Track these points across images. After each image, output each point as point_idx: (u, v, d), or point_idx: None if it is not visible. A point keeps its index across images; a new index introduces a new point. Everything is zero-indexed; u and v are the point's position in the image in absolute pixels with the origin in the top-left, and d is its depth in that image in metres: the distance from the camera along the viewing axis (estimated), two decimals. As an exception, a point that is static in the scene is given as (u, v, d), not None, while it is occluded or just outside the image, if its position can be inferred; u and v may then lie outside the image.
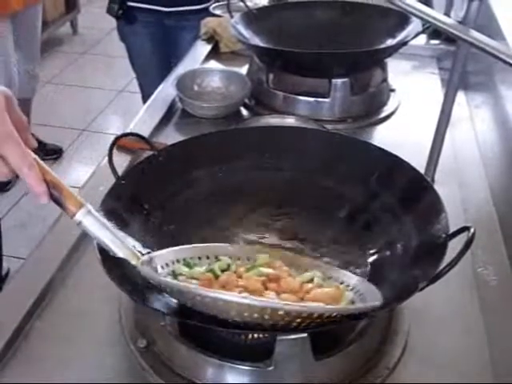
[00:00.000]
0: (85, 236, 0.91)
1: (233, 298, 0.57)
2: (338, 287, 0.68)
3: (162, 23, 2.01)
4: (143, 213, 0.73)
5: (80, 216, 0.61)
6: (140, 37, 2.04)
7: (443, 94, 0.99)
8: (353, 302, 0.66)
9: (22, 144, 0.57)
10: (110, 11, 1.97)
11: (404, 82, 1.43)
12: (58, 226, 0.95)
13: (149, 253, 0.67)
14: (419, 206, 0.73)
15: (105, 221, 0.63)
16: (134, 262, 0.64)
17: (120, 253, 0.64)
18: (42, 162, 0.60)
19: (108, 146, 0.81)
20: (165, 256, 0.70)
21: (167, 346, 0.72)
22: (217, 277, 0.69)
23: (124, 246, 0.64)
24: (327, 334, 0.66)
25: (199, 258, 0.73)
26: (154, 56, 2.08)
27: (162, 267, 0.69)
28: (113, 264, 0.64)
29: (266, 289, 0.67)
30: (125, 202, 0.72)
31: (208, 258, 0.73)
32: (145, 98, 2.05)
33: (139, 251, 0.66)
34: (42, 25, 2.55)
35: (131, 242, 0.66)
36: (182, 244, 0.74)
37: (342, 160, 0.80)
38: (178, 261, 0.71)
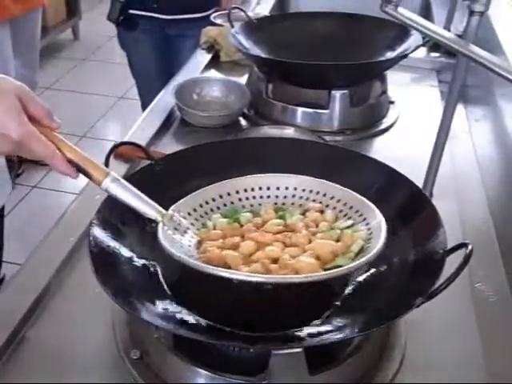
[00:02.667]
0: (80, 244, 0.90)
1: (218, 272, 0.61)
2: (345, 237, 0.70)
3: (162, 31, 2.01)
4: (139, 223, 0.72)
5: (107, 183, 0.67)
6: (140, 44, 2.04)
7: (443, 106, 0.99)
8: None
9: (42, 137, 0.63)
10: (110, 18, 1.96)
11: (403, 95, 1.42)
12: (53, 233, 0.95)
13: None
14: (417, 221, 0.73)
15: (129, 186, 0.68)
16: (160, 218, 0.69)
17: (147, 211, 0.69)
18: (66, 141, 0.66)
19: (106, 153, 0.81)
20: (189, 202, 0.75)
21: (160, 358, 0.71)
22: (240, 225, 0.74)
23: (149, 205, 0.69)
24: (323, 348, 0.65)
25: (220, 197, 0.78)
26: (154, 64, 2.08)
27: (190, 213, 0.74)
28: (106, 274, 0.64)
29: (277, 240, 0.70)
30: (120, 212, 0.71)
31: (229, 194, 0.78)
32: (144, 106, 2.03)
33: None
34: (43, 30, 2.55)
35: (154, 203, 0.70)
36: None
37: (340, 173, 0.79)
38: (201, 205, 0.76)
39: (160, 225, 0.69)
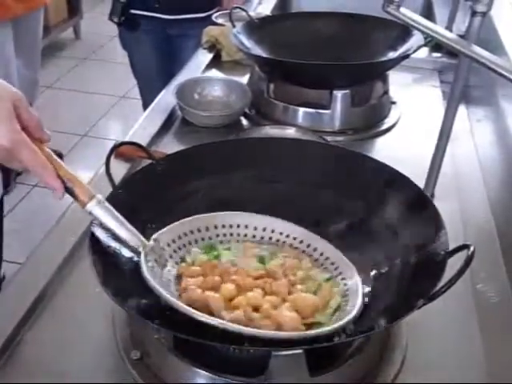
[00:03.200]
0: (81, 243, 0.90)
1: (203, 318, 0.62)
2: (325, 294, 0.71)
3: (164, 31, 2.00)
4: (140, 223, 0.72)
5: (91, 206, 0.66)
6: (142, 44, 2.03)
7: (444, 107, 0.98)
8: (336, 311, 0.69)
9: (34, 147, 0.63)
10: (111, 18, 1.96)
11: (405, 95, 1.42)
12: (53, 232, 0.94)
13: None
14: (418, 222, 0.73)
15: (114, 211, 0.68)
16: (141, 248, 0.69)
17: (129, 240, 0.69)
18: (55, 157, 0.65)
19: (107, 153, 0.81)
20: (169, 233, 0.75)
21: (161, 359, 0.71)
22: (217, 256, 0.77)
23: (132, 233, 0.69)
24: (323, 349, 0.65)
25: (199, 231, 0.79)
26: (156, 64, 2.07)
27: (169, 244, 0.75)
28: (107, 275, 0.64)
29: (257, 286, 0.71)
30: (121, 213, 0.71)
31: (216, 227, 0.80)
32: (146, 106, 2.02)
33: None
34: (45, 30, 2.55)
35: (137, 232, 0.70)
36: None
37: (341, 173, 0.79)
38: (185, 234, 0.77)
39: (142, 256, 0.69)
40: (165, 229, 0.75)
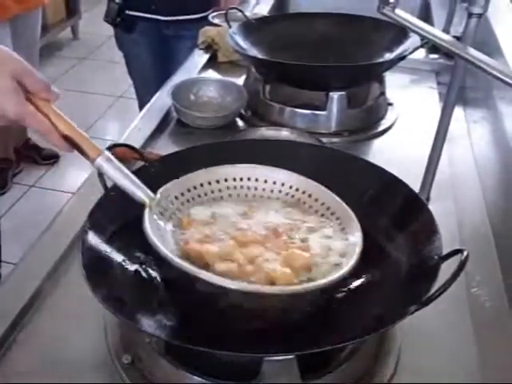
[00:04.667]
0: (74, 245, 0.90)
1: (209, 278, 0.61)
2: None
3: (160, 32, 1.99)
4: (131, 226, 0.72)
5: (99, 161, 0.67)
6: (138, 45, 2.02)
7: (441, 108, 0.98)
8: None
9: (38, 115, 0.65)
10: (107, 19, 1.95)
11: (402, 96, 1.42)
12: (47, 234, 0.94)
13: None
14: (413, 226, 0.72)
15: (122, 166, 0.69)
16: (147, 202, 0.69)
17: (136, 193, 0.69)
18: (62, 116, 0.66)
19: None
20: (175, 187, 0.75)
21: (152, 363, 0.70)
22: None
23: (138, 188, 0.69)
24: (316, 354, 0.64)
25: (209, 183, 0.78)
26: (152, 65, 2.06)
27: (177, 197, 0.74)
28: (98, 280, 0.63)
29: (257, 242, 0.70)
30: (113, 215, 0.70)
31: (218, 182, 0.79)
32: (142, 106, 1.97)
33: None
34: (43, 29, 2.54)
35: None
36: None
37: (334, 176, 0.78)
38: (188, 190, 0.76)
39: (147, 210, 0.69)
40: (171, 183, 0.75)
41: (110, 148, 0.80)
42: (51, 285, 0.85)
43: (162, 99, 1.36)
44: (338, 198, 0.75)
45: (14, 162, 2.68)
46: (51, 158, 2.82)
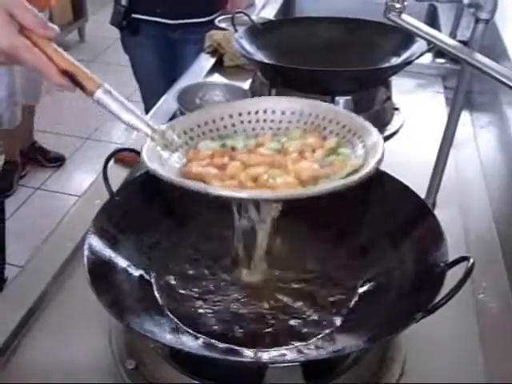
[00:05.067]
0: (78, 249, 0.89)
1: (219, 191, 0.59)
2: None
3: (166, 36, 1.98)
4: (136, 231, 0.72)
5: (98, 95, 0.65)
6: (144, 49, 2.02)
7: (448, 113, 0.97)
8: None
9: (33, 49, 0.62)
10: (113, 22, 1.95)
11: (408, 101, 1.41)
12: (51, 238, 0.94)
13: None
14: (418, 233, 0.72)
15: (122, 99, 0.67)
16: (150, 133, 0.67)
17: (138, 125, 0.67)
18: (61, 52, 0.64)
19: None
20: (181, 122, 0.72)
21: (156, 368, 0.70)
22: (233, 149, 0.70)
23: (140, 120, 0.67)
24: (320, 361, 0.64)
25: (213, 121, 0.74)
26: (158, 68, 2.06)
27: (185, 132, 0.72)
28: (102, 285, 0.63)
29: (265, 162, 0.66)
30: (118, 220, 0.70)
31: (222, 119, 0.75)
32: (147, 110, 1.98)
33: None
34: (49, 32, 2.54)
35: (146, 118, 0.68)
36: (176, 262, 0.72)
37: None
38: (198, 126, 0.73)
39: (148, 139, 0.67)
40: (179, 118, 0.73)
41: (115, 153, 0.80)
42: (56, 288, 0.85)
43: (167, 103, 1.36)
44: (352, 114, 0.72)
45: (20, 165, 2.69)
46: (57, 161, 2.83)
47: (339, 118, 0.72)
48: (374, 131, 0.68)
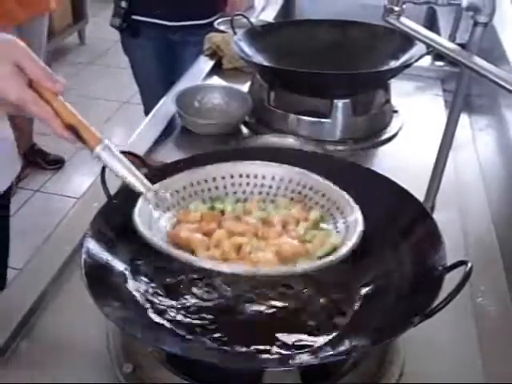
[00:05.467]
0: (77, 252, 0.89)
1: (202, 263, 0.62)
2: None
3: (166, 37, 1.99)
4: (134, 234, 0.71)
5: (98, 150, 0.67)
6: (144, 50, 2.02)
7: (447, 116, 0.97)
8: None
9: (40, 102, 0.65)
10: (113, 24, 1.95)
11: (407, 104, 1.41)
12: (49, 241, 0.94)
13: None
14: (417, 236, 0.72)
15: (121, 156, 0.69)
16: (144, 191, 0.69)
17: (133, 183, 0.69)
18: (66, 105, 0.67)
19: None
20: (173, 183, 0.75)
21: (153, 372, 0.70)
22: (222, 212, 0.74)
23: (136, 178, 0.69)
24: (318, 365, 0.64)
25: (205, 181, 0.78)
26: (158, 70, 2.07)
27: (178, 191, 0.74)
28: (99, 289, 0.63)
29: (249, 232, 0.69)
30: (115, 223, 0.70)
31: (214, 179, 0.78)
32: (147, 112, 1.98)
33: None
34: (50, 34, 2.55)
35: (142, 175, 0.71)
36: (173, 265, 0.72)
37: (337, 184, 0.78)
38: (184, 188, 0.76)
39: (141, 197, 0.69)
40: (171, 178, 0.75)
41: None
42: (54, 291, 0.85)
43: (166, 106, 1.36)
44: (338, 190, 0.74)
45: (20, 167, 2.69)
46: (56, 163, 2.83)
47: (326, 191, 0.76)
48: (356, 209, 0.71)
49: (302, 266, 0.63)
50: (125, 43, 2.08)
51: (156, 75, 2.07)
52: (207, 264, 0.62)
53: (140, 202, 0.68)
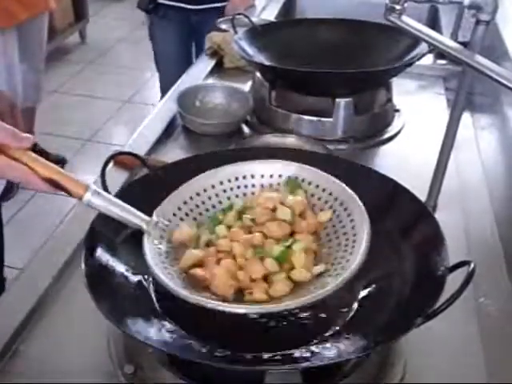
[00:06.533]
0: (77, 254, 0.89)
1: (213, 305, 0.61)
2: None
3: (188, 20, 2.19)
4: (135, 236, 0.71)
5: (87, 197, 0.66)
6: (167, 33, 2.23)
7: (449, 114, 0.97)
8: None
9: (13, 164, 0.62)
10: (140, 6, 2.12)
11: (409, 102, 1.40)
12: (51, 241, 0.94)
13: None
14: (419, 236, 0.71)
15: (111, 197, 0.68)
16: (145, 227, 0.68)
17: (131, 221, 0.68)
18: (40, 160, 0.64)
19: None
20: (170, 204, 0.74)
21: (154, 374, 0.70)
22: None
23: (132, 215, 0.68)
24: (319, 366, 0.63)
25: (205, 191, 0.77)
26: (177, 51, 2.28)
27: (170, 220, 0.73)
28: (100, 291, 0.62)
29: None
30: (116, 224, 0.70)
31: (213, 187, 0.78)
32: (163, 91, 2.28)
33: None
34: (51, 34, 2.55)
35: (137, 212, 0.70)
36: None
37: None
38: (185, 202, 0.76)
39: (145, 236, 0.68)
40: (166, 200, 0.74)
41: (113, 156, 0.80)
42: (55, 292, 0.85)
43: (167, 105, 1.36)
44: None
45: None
46: (58, 163, 2.82)
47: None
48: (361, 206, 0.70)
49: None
50: (151, 28, 2.30)
51: (175, 56, 2.28)
52: (229, 309, 0.61)
53: (145, 240, 0.68)
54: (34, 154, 0.64)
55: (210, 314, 0.65)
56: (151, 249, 0.67)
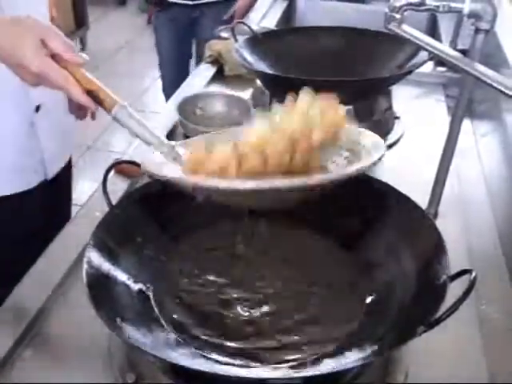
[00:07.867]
0: (79, 262, 0.89)
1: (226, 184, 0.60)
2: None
3: (189, 16, 2.35)
4: (136, 244, 0.71)
5: (115, 111, 0.72)
6: (170, 28, 2.39)
7: (449, 122, 0.97)
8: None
9: (61, 69, 0.69)
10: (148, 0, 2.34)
11: (409, 110, 1.41)
12: (51, 250, 0.94)
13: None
14: (420, 245, 0.71)
15: (136, 115, 0.73)
16: (158, 144, 0.72)
17: (149, 139, 0.72)
18: (86, 75, 0.72)
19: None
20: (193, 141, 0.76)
21: (156, 382, 0.69)
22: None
23: (152, 135, 0.73)
24: (321, 375, 0.63)
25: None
26: (178, 46, 2.44)
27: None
28: (101, 300, 0.62)
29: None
30: (117, 233, 0.70)
31: None
32: (165, 89, 2.50)
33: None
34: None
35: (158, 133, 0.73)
36: (174, 276, 0.72)
37: (340, 193, 0.77)
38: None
39: (157, 152, 0.71)
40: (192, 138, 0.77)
41: (114, 165, 0.80)
42: (56, 300, 0.85)
43: (168, 114, 1.36)
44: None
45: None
46: (59, 169, 2.82)
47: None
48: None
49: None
50: (155, 22, 2.49)
51: (176, 50, 2.45)
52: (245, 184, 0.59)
53: (155, 154, 0.70)
54: (82, 70, 0.71)
55: (212, 320, 0.65)
56: (153, 155, 0.70)
